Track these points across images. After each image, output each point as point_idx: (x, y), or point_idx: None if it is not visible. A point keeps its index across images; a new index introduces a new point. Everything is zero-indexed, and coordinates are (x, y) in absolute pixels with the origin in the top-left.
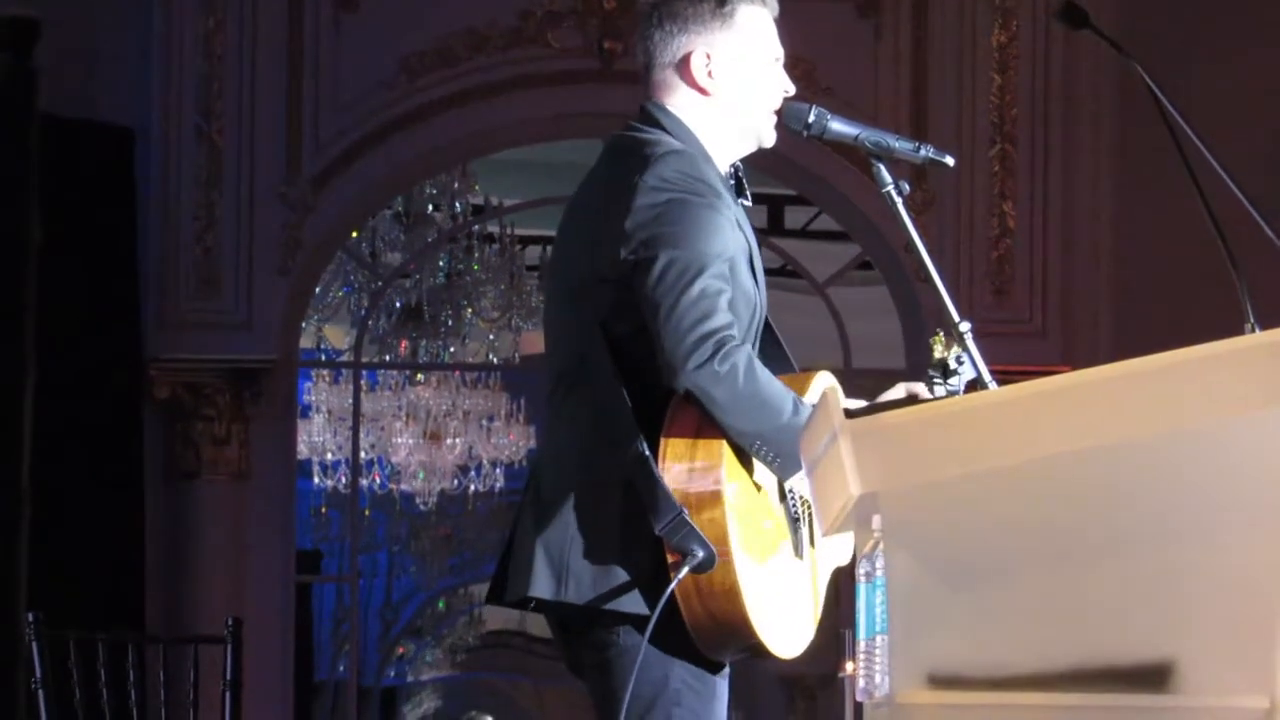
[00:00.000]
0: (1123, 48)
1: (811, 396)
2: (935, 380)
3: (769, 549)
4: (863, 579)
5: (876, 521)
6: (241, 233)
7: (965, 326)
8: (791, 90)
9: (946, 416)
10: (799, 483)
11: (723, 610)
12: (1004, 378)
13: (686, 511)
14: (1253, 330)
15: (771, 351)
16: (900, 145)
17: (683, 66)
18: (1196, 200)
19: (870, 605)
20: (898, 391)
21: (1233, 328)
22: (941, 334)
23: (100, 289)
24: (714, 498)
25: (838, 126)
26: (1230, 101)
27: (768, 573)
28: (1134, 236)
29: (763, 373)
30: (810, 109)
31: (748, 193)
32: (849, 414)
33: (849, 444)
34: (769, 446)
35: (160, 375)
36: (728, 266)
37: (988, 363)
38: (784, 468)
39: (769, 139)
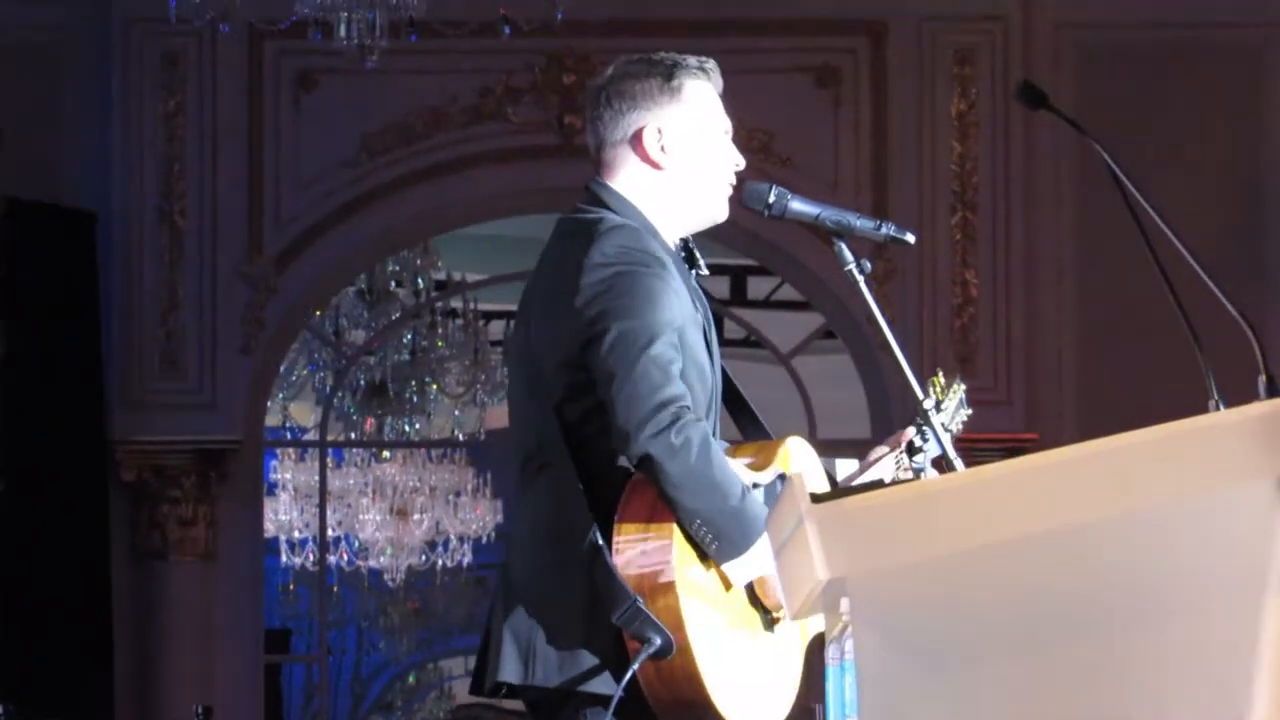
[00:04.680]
0: (1082, 126)
1: (782, 463)
2: (922, 428)
3: (732, 627)
4: (832, 662)
5: (845, 605)
6: (204, 313)
7: (929, 404)
8: (742, 163)
9: (911, 500)
10: (734, 569)
11: (685, 694)
12: (969, 446)
13: (641, 600)
14: (1216, 407)
15: (744, 420)
16: (861, 224)
17: (635, 142)
18: (1158, 272)
19: (840, 688)
20: (880, 451)
21: (1196, 398)
22: (941, 375)
23: (64, 371)
24: (668, 585)
25: (798, 206)
26: (1190, 175)
27: (731, 652)
28: (1097, 304)
29: (716, 453)
30: (770, 189)
31: (701, 264)
32: (815, 498)
33: (815, 528)
34: (709, 528)
35: (126, 457)
36: (677, 336)
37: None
38: (720, 551)
39: (723, 212)
